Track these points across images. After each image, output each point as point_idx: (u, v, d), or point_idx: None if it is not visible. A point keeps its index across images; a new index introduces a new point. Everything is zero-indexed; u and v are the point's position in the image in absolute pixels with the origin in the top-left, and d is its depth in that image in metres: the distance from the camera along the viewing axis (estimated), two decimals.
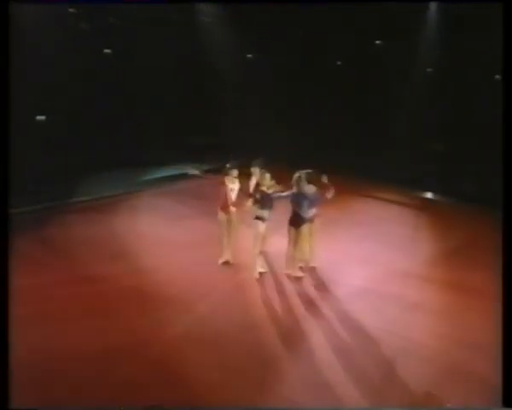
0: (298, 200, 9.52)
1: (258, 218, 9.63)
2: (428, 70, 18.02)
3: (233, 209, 10.24)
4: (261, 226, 9.64)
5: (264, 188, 9.58)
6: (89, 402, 6.24)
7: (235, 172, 10.14)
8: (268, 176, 9.75)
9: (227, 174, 10.13)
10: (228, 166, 10.17)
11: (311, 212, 9.72)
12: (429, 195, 16.11)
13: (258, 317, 8.34)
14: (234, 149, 18.34)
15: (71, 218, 12.95)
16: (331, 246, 11.09)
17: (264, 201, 9.56)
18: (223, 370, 6.95)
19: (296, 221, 9.57)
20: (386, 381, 6.74)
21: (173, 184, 16.29)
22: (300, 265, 10.01)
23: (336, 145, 18.09)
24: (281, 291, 9.34)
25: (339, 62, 20.20)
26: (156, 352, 7.29)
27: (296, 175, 9.56)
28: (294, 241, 9.65)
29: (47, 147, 14.78)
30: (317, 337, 7.82)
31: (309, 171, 9.70)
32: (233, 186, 10.19)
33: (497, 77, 16.31)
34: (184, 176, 16.61)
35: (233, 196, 10.22)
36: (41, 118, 16.05)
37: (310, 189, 9.65)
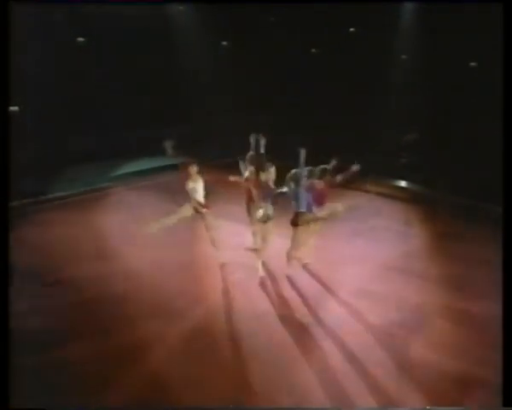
0: (296, 197, 9.08)
1: (267, 217, 9.12)
2: (403, 57, 18.09)
3: (204, 210, 9.66)
4: (269, 226, 9.23)
5: (269, 182, 9.19)
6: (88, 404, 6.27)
7: (194, 169, 9.47)
8: (273, 169, 9.45)
9: (187, 171, 9.47)
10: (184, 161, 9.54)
11: (312, 209, 9.21)
12: (417, 187, 15.36)
13: (255, 320, 8.16)
14: (210, 138, 18.42)
15: (45, 216, 12.68)
16: (324, 243, 10.88)
17: (269, 197, 9.12)
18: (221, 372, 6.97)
19: (294, 220, 9.19)
20: (384, 380, 6.77)
21: (153, 178, 15.99)
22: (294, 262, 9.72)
23: (316, 137, 18.08)
24: (278, 294, 9.07)
25: (313, 50, 20.20)
26: (150, 359, 7.24)
27: (293, 172, 9.08)
28: (294, 240, 9.35)
29: (19, 140, 14.49)
30: (319, 341, 7.69)
31: (312, 168, 9.24)
32: (194, 185, 9.52)
33: (473, 64, 16.54)
34: (163, 169, 16.59)
35: (198, 196, 9.59)
36: (14, 109, 15.68)
37: (311, 186, 9.18)
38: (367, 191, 15.11)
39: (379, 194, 14.96)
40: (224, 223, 10.43)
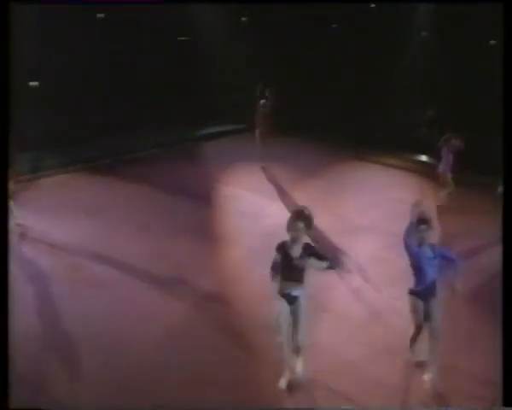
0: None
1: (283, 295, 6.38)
2: (423, 34, 17.88)
3: None
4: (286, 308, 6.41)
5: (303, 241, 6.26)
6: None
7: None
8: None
9: None
10: None
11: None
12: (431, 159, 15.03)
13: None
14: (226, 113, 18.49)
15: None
16: (339, 213, 11.31)
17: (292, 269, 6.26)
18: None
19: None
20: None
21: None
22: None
23: (334, 110, 18.14)
24: None
25: (334, 25, 20.01)
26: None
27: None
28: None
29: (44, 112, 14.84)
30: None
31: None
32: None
33: (492, 42, 16.29)
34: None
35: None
36: (34, 84, 15.89)
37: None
38: (384, 164, 15.38)
39: (396, 167, 15.10)
40: None
